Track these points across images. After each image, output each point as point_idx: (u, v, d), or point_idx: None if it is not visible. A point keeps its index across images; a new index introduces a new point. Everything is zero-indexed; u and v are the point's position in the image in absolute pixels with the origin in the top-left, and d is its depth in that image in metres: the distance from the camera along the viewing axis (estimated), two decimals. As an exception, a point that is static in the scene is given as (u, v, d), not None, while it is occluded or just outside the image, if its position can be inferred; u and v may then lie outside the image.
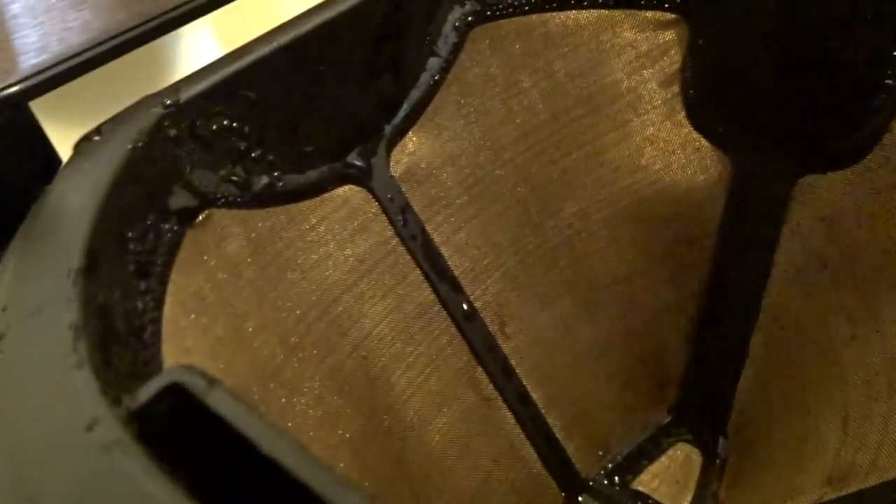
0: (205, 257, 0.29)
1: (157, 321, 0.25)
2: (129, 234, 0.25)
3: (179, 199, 0.29)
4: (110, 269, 0.23)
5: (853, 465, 0.32)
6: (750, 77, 0.37)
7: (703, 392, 0.45)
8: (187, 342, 0.26)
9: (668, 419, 0.46)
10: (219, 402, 0.18)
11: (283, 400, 0.30)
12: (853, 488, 0.30)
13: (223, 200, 0.31)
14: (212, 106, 0.30)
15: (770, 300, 0.41)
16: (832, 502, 0.31)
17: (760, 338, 0.42)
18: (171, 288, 0.27)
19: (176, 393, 0.19)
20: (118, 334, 0.21)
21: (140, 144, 0.27)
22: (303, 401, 0.31)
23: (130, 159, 0.26)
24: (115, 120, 0.28)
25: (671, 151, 0.41)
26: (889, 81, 0.34)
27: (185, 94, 0.29)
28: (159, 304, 0.26)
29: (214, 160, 0.31)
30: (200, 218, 0.30)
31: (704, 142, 0.40)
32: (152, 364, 0.23)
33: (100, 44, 0.29)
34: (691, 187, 0.41)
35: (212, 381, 0.19)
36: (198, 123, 0.30)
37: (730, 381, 0.44)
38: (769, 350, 0.41)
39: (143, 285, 0.25)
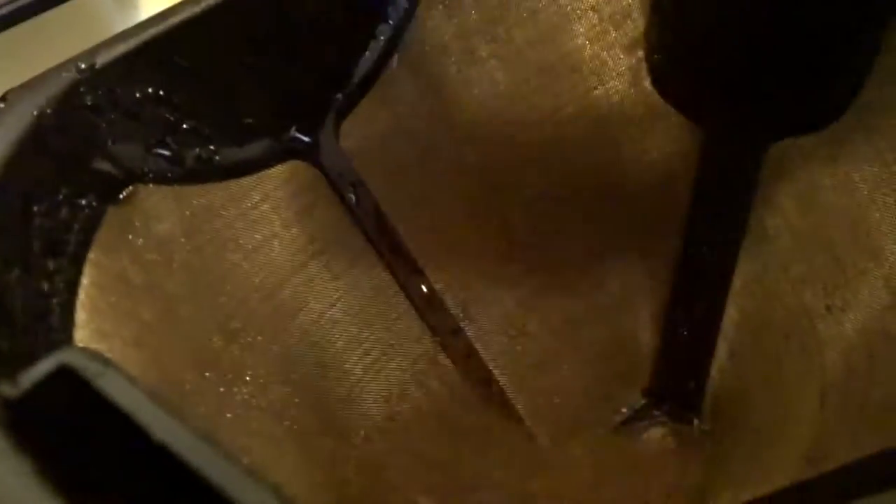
0: (130, 237, 0.27)
1: (69, 305, 0.22)
2: (35, 209, 0.23)
3: (99, 174, 0.26)
4: (8, 247, 0.20)
5: (832, 442, 0.30)
6: (715, 39, 0.36)
7: (678, 372, 0.43)
8: (106, 326, 0.23)
9: (642, 402, 0.44)
10: (112, 387, 0.16)
11: (222, 389, 0.28)
12: (832, 466, 0.29)
13: (152, 175, 0.28)
14: (135, 72, 0.27)
15: (742, 274, 0.39)
16: (811, 481, 0.30)
17: (733, 313, 0.40)
18: (88, 269, 0.24)
19: (67, 378, 0.16)
20: (11, 317, 0.19)
21: (49, 111, 0.24)
22: (245, 390, 0.29)
23: (37, 127, 0.24)
24: (24, 86, 0.25)
25: (637, 122, 0.39)
26: (862, 40, 0.32)
27: (104, 58, 0.26)
28: (72, 286, 0.23)
29: (140, 132, 0.28)
30: (125, 194, 0.27)
31: (672, 110, 0.38)
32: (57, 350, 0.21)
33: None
34: (659, 158, 0.39)
35: (107, 363, 0.16)
36: (119, 91, 0.27)
37: (704, 360, 0.42)
38: (743, 326, 0.39)
39: (51, 265, 0.23)
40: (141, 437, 0.15)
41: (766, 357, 0.37)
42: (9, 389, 0.16)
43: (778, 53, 0.35)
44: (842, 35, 0.32)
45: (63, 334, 0.21)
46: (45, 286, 0.22)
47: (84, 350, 0.16)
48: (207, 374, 0.27)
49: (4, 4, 0.31)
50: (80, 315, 0.23)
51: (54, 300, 0.22)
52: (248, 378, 0.29)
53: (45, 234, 0.23)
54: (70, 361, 0.16)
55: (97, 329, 0.23)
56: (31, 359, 0.17)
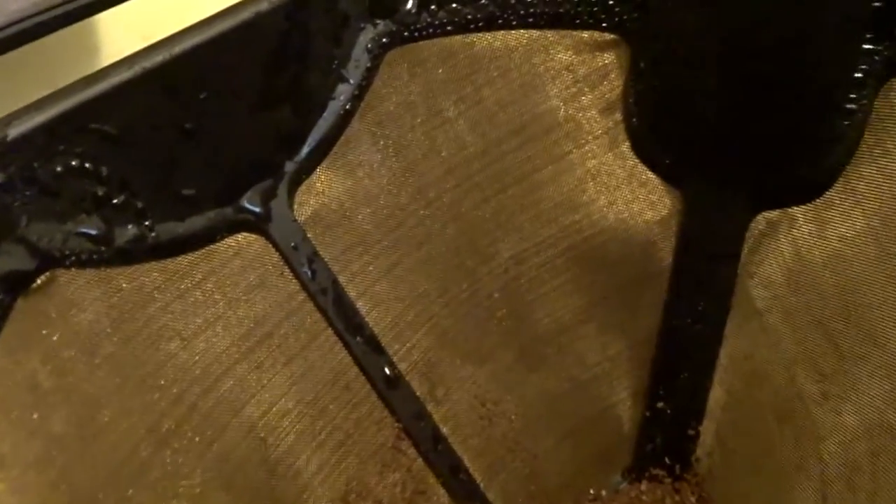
0: (44, 331, 0.23)
1: (-44, 427, 0.19)
2: (-81, 312, 0.19)
3: (9, 259, 0.23)
4: None
5: (837, 549, 0.27)
6: (698, 103, 0.33)
7: (660, 453, 0.40)
8: (3, 448, 0.20)
9: (622, 484, 0.41)
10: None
11: (149, 508, 0.24)
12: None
13: (73, 258, 0.25)
14: (54, 143, 0.24)
15: (729, 350, 0.36)
16: None
17: (720, 392, 0.37)
18: (-14, 378, 0.21)
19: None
20: None
21: (-54, 193, 0.21)
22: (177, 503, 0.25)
23: (-71, 213, 0.20)
24: (-80, 162, 0.22)
25: (615, 186, 0.37)
26: (851, 106, 0.30)
27: (17, 130, 0.23)
28: (-37, 402, 0.19)
29: (60, 210, 0.25)
30: (39, 282, 0.24)
31: (651, 175, 0.36)
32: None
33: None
34: (639, 225, 0.37)
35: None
36: (35, 165, 0.24)
37: (688, 441, 0.39)
38: (731, 406, 0.37)
39: (-64, 380, 0.19)
40: None
41: (757, 442, 0.35)
42: None
43: (763, 120, 0.33)
44: (828, 99, 0.30)
45: (-57, 468, 0.18)
46: (-76, 409, 0.18)
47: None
48: (130, 490, 0.23)
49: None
50: (-28, 437, 0.19)
51: (-65, 425, 0.18)
52: (180, 489, 0.26)
53: (-70, 343, 0.19)
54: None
55: (-8, 454, 0.19)
56: None
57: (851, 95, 0.30)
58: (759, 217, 0.34)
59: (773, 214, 0.33)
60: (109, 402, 0.24)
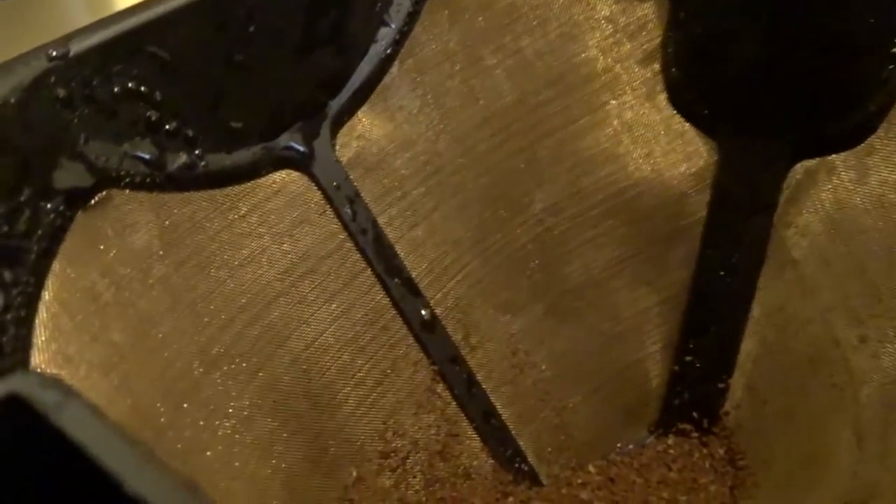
0: (101, 247, 0.24)
1: (27, 322, 0.19)
2: (-9, 211, 0.19)
3: (68, 175, 0.23)
4: (-46, 250, 0.17)
5: (875, 485, 0.27)
6: (737, 51, 0.34)
7: (689, 407, 0.40)
8: (70, 349, 0.20)
9: (649, 438, 0.42)
10: (73, 422, 0.13)
11: (202, 422, 0.24)
12: (877, 512, 0.26)
13: (128, 180, 0.25)
14: (112, 63, 0.24)
15: (762, 301, 0.37)
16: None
17: (752, 343, 0.37)
18: (51, 282, 0.21)
19: (17, 410, 0.13)
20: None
21: (13, 102, 0.21)
22: (227, 424, 0.26)
23: (-2, 119, 0.21)
24: (-14, 74, 0.22)
25: (652, 138, 0.37)
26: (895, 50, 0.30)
27: (79, 46, 0.23)
28: (31, 300, 0.20)
29: (117, 130, 0.25)
30: (97, 199, 0.24)
31: (688, 126, 0.36)
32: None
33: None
34: (674, 177, 0.37)
35: (68, 393, 0.13)
36: (94, 83, 0.24)
37: (718, 394, 0.39)
38: (762, 357, 0.37)
39: (7, 276, 0.19)
40: (108, 485, 0.12)
41: (790, 392, 0.35)
42: (-59, 424, 0.12)
43: (803, 65, 0.33)
44: (872, 44, 0.31)
45: (17, 357, 0.18)
46: (1, 300, 0.18)
47: (40, 376, 0.13)
48: (186, 405, 0.24)
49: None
50: (40, 335, 0.20)
51: (8, 316, 0.19)
52: (230, 410, 0.26)
53: (3, 241, 0.19)
54: (22, 390, 0.13)
55: (59, 352, 0.20)
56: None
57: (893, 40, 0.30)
58: (798, 166, 0.34)
59: (812, 163, 0.33)
60: (163, 321, 0.25)
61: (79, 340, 0.21)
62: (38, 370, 0.19)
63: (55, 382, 0.13)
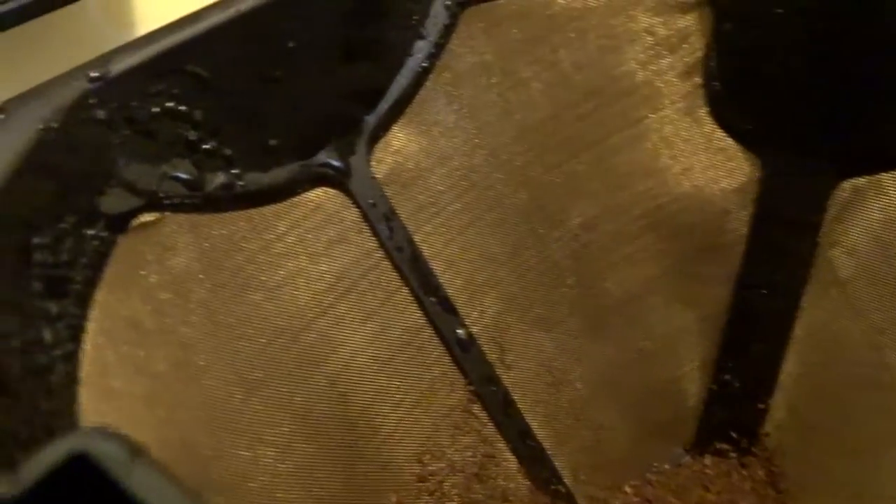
0: (142, 272, 0.23)
1: (73, 357, 0.19)
2: (36, 241, 0.19)
3: (109, 198, 0.23)
4: (2, 288, 0.17)
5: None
6: (785, 64, 0.33)
7: (726, 427, 0.39)
8: (115, 383, 0.20)
9: (685, 458, 0.41)
10: (146, 485, 0.12)
11: (244, 452, 0.24)
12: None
13: (168, 202, 0.25)
14: (152, 83, 0.24)
15: (806, 320, 0.36)
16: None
17: (794, 364, 0.36)
18: (94, 312, 0.20)
19: (81, 469, 0.12)
20: (7, 381, 0.15)
21: (54, 126, 0.21)
22: (269, 452, 0.25)
23: (40, 144, 0.20)
24: (26, 96, 0.22)
25: (692, 153, 0.36)
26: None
27: (118, 66, 0.23)
28: (77, 333, 0.19)
29: (156, 152, 0.24)
30: (137, 223, 0.23)
31: (730, 141, 0.35)
32: (61, 418, 0.17)
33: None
34: (714, 193, 0.36)
35: (137, 451, 0.12)
36: (134, 104, 0.23)
37: (757, 415, 0.38)
38: (805, 378, 0.36)
39: (53, 309, 0.19)
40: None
41: (835, 416, 0.34)
42: (6, 486, 0.12)
43: (853, 80, 0.32)
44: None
45: (66, 396, 0.17)
46: (48, 335, 0.18)
47: (103, 432, 0.12)
48: (228, 434, 0.23)
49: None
50: (86, 369, 0.19)
51: (56, 352, 0.18)
52: (270, 437, 0.25)
53: (47, 272, 0.19)
54: (86, 448, 0.12)
55: (104, 387, 0.19)
56: (30, 436, 0.13)
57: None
58: (845, 183, 0.33)
59: (860, 181, 0.32)
60: (204, 347, 0.24)
61: (124, 373, 0.20)
62: (88, 409, 0.18)
63: (122, 440, 0.12)
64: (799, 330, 0.36)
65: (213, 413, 0.23)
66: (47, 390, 0.17)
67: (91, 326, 0.20)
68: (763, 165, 0.35)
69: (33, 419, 0.16)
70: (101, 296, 0.21)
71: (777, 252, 0.36)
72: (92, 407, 0.19)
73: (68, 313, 0.19)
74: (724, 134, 0.35)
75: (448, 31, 0.33)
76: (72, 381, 0.18)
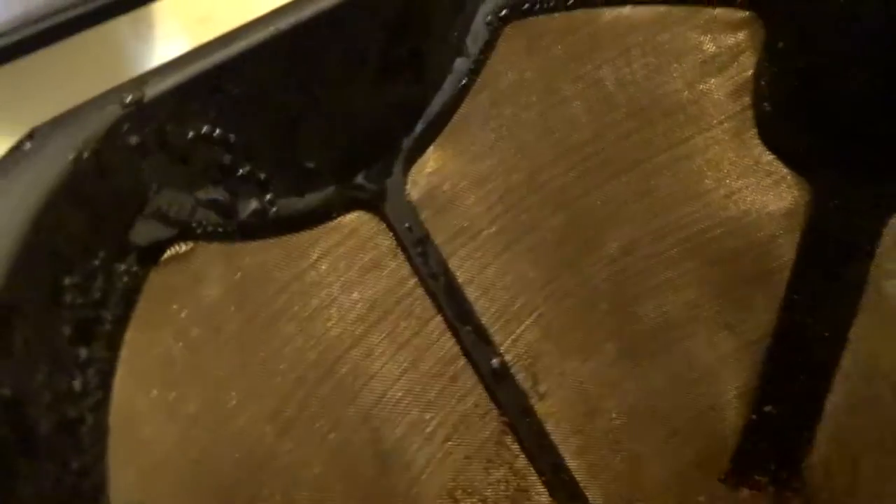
0: (174, 307, 0.22)
1: (103, 406, 0.17)
2: (67, 282, 0.18)
3: (141, 229, 0.21)
4: (32, 337, 0.15)
5: None
6: (841, 86, 0.31)
7: (765, 457, 0.38)
8: (146, 431, 0.18)
9: (721, 490, 0.39)
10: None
11: (279, 497, 0.22)
12: None
13: (200, 231, 0.23)
14: (187, 106, 0.23)
15: (855, 351, 0.34)
16: None
17: (841, 396, 0.35)
18: (125, 353, 0.19)
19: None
20: (35, 441, 0.14)
21: (87, 154, 0.19)
22: (303, 495, 0.24)
23: (73, 174, 0.19)
24: (57, 122, 0.20)
25: (738, 176, 0.34)
26: None
27: (154, 90, 0.22)
28: (107, 378, 0.18)
29: (190, 178, 0.23)
30: (169, 254, 0.22)
31: (779, 165, 0.34)
32: (91, 475, 0.16)
33: (36, 21, 0.21)
34: (761, 218, 0.35)
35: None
36: (168, 129, 0.22)
37: (798, 447, 0.37)
38: (852, 411, 0.34)
39: (83, 354, 0.17)
40: None
41: (884, 452, 0.33)
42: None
43: (914, 105, 0.30)
44: None
45: (96, 449, 0.16)
46: (78, 385, 0.16)
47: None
48: (263, 476, 0.22)
49: (7, 33, 0.27)
50: (115, 418, 0.18)
51: (87, 402, 0.17)
52: (304, 478, 0.24)
53: (78, 314, 0.18)
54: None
55: (135, 436, 0.18)
56: (58, 501, 0.12)
57: None
58: (901, 211, 0.31)
59: (918, 208, 0.31)
60: (235, 384, 0.23)
61: (155, 419, 0.19)
62: (116, 458, 0.17)
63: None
64: (846, 362, 0.35)
65: (246, 455, 0.22)
66: (77, 446, 0.16)
67: (121, 369, 0.19)
68: (813, 190, 0.34)
69: (62, 481, 0.15)
70: (131, 335, 0.20)
71: (826, 280, 0.34)
72: (122, 457, 0.17)
73: (98, 357, 0.18)
74: (773, 157, 0.34)
75: (489, 47, 0.32)
76: (102, 432, 0.17)
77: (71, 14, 0.28)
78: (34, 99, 0.26)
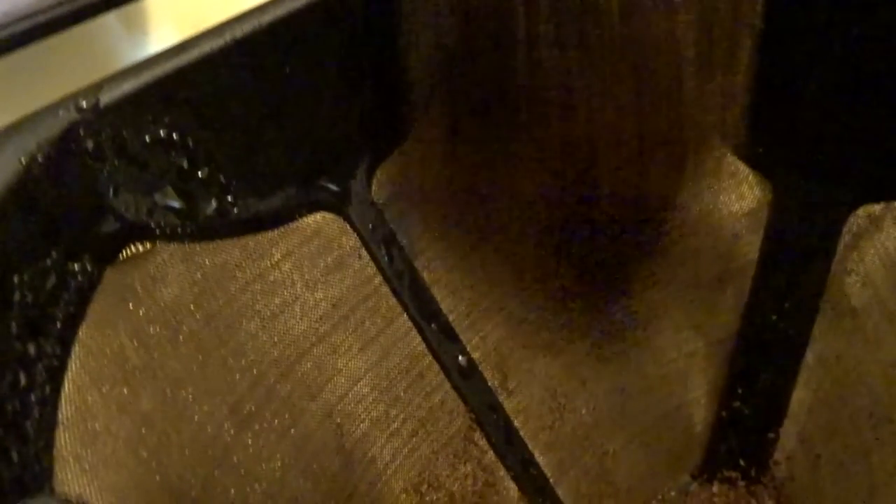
0: (131, 306, 0.23)
1: (51, 399, 0.18)
2: (16, 280, 0.18)
3: (97, 230, 0.22)
4: (-25, 332, 0.16)
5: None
6: (799, 90, 0.32)
7: (736, 454, 0.38)
8: (97, 425, 0.19)
9: (692, 485, 0.40)
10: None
11: (233, 491, 0.23)
12: None
13: (158, 231, 0.24)
14: (144, 112, 0.23)
15: (818, 349, 0.35)
16: None
17: (805, 393, 0.35)
18: (77, 350, 0.20)
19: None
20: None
21: (40, 159, 0.20)
22: (259, 488, 0.24)
23: (24, 179, 0.20)
24: (12, 128, 0.21)
25: (702, 176, 0.35)
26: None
27: (109, 96, 0.22)
28: (57, 374, 0.19)
29: (147, 181, 0.24)
30: (125, 254, 0.23)
31: (742, 165, 0.34)
32: (36, 465, 0.16)
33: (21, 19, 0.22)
34: (725, 218, 0.35)
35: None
36: (125, 134, 0.23)
37: (766, 444, 0.37)
38: (817, 408, 0.35)
39: (32, 350, 0.18)
40: None
41: (847, 448, 0.33)
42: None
43: (871, 105, 0.31)
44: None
45: (41, 441, 0.17)
46: (23, 379, 0.17)
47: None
48: (217, 472, 0.23)
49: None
50: (66, 411, 0.18)
51: (32, 396, 0.17)
52: (262, 471, 0.25)
53: (27, 312, 0.18)
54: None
55: (85, 429, 0.19)
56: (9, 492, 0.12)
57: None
58: (860, 210, 0.32)
59: (876, 208, 0.31)
60: (193, 382, 0.24)
61: (106, 413, 0.20)
62: (63, 452, 0.18)
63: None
64: (810, 358, 0.35)
65: (200, 451, 0.23)
66: (20, 438, 0.16)
67: (73, 365, 0.20)
68: (774, 190, 0.34)
69: (2, 472, 0.15)
70: (85, 333, 0.20)
71: (788, 278, 0.35)
72: (70, 451, 0.18)
73: (47, 354, 0.19)
74: (736, 158, 0.34)
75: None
76: (49, 425, 0.18)
77: (57, 13, 0.29)
78: (16, 100, 0.26)
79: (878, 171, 0.31)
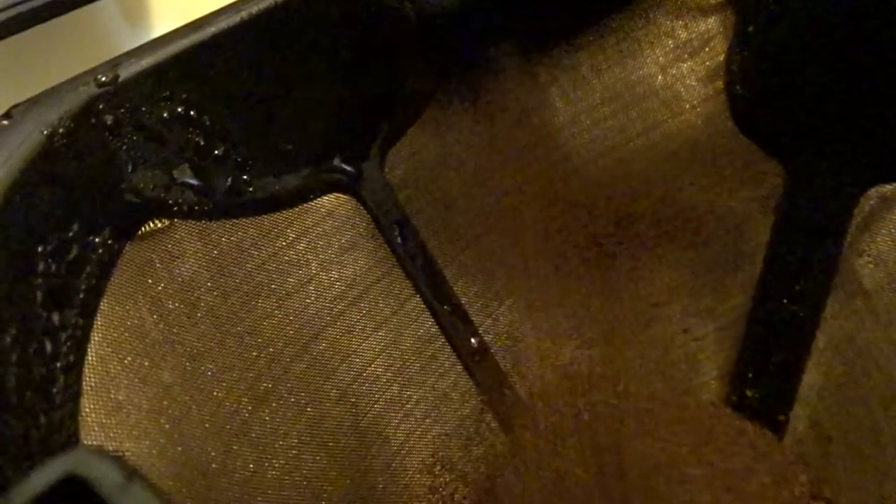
0: (150, 281, 0.23)
1: (76, 367, 0.18)
2: (40, 250, 0.18)
3: (116, 205, 0.22)
4: (2, 300, 0.16)
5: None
6: (811, 68, 0.32)
7: (745, 438, 0.39)
8: (119, 395, 0.19)
9: (703, 470, 0.40)
10: (137, 511, 0.11)
11: (251, 465, 0.23)
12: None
13: (176, 209, 0.24)
14: (162, 88, 0.23)
15: (829, 332, 0.35)
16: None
17: (816, 375, 0.35)
18: (99, 321, 0.20)
19: (75, 491, 0.12)
20: (3, 396, 0.15)
21: (61, 132, 0.20)
22: (277, 464, 0.25)
23: (46, 150, 0.20)
24: (33, 101, 0.21)
25: (712, 159, 0.35)
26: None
27: (127, 71, 0.22)
28: (81, 343, 0.19)
29: (165, 157, 0.24)
30: (145, 230, 0.23)
31: (752, 147, 0.34)
32: (63, 431, 0.16)
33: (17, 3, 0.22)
34: (735, 200, 0.35)
35: (131, 475, 0.12)
36: (143, 109, 0.23)
37: (778, 426, 0.37)
38: (828, 391, 0.35)
39: (56, 319, 0.18)
40: None
41: (859, 431, 0.33)
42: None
43: (882, 83, 0.31)
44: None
45: (67, 408, 0.17)
46: (49, 347, 0.17)
47: (99, 454, 0.12)
48: (235, 446, 0.23)
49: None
50: (89, 381, 0.18)
51: (58, 364, 0.18)
52: (278, 448, 0.25)
53: (51, 281, 0.18)
54: (80, 470, 0.12)
55: (108, 398, 0.19)
56: (27, 456, 0.12)
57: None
58: (871, 191, 0.32)
59: (888, 188, 0.31)
60: (212, 357, 0.24)
61: (128, 384, 0.20)
62: (89, 419, 0.18)
63: (116, 462, 0.12)
64: (821, 341, 0.35)
65: (220, 425, 0.23)
66: (47, 403, 0.17)
67: (96, 336, 0.20)
68: (785, 171, 0.34)
69: (29, 434, 0.15)
70: (106, 304, 0.20)
71: (799, 261, 0.35)
72: (94, 419, 0.18)
73: (71, 324, 0.19)
74: (746, 139, 0.35)
75: (464, 33, 0.33)
76: (74, 393, 0.18)
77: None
78: (22, 81, 0.26)
79: (889, 151, 0.31)
